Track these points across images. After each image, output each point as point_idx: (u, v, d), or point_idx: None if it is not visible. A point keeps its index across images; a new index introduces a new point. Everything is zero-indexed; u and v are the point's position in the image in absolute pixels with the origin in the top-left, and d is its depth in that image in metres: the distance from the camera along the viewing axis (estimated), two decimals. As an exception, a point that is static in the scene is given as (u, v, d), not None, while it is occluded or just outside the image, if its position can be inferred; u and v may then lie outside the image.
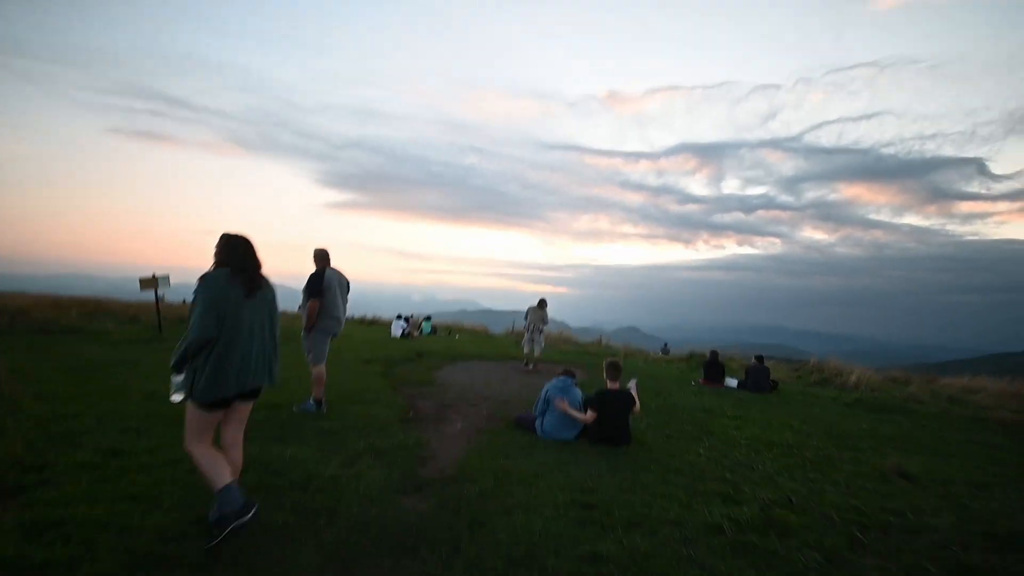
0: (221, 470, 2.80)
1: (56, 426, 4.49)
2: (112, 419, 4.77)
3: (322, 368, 5.57)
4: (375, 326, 22.18)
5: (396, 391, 7.10)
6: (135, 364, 7.70)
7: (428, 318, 20.66)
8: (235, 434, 3.06)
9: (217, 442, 3.04)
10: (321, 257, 5.63)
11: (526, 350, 10.94)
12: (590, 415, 5.01)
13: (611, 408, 5.01)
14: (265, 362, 3.01)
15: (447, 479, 3.95)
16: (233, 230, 3.04)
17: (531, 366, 10.79)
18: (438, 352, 12.25)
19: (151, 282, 11.58)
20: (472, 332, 22.55)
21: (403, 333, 15.86)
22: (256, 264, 3.01)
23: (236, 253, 2.94)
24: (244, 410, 3.07)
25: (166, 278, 11.90)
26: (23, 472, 3.46)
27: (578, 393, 5.26)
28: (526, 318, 11.08)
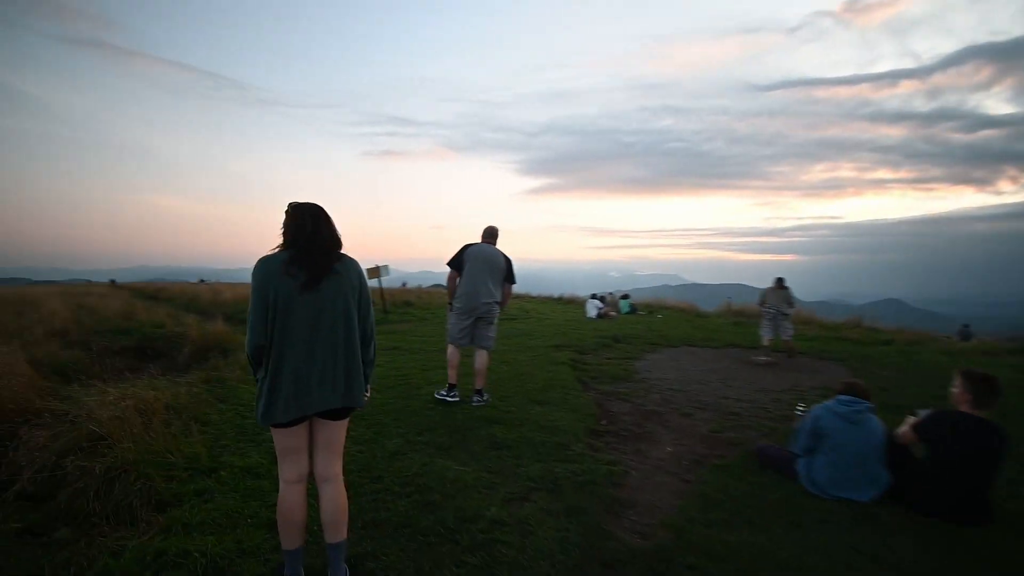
0: (287, 530, 2.17)
1: (252, 419, 4.50)
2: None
3: (452, 349, 5.00)
4: (571, 306, 21.58)
5: (585, 388, 5.90)
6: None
7: (626, 296, 19.08)
8: (326, 464, 2.24)
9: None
10: (485, 234, 5.06)
11: (766, 340, 8.99)
12: (905, 431, 2.94)
13: (963, 450, 2.85)
14: (339, 375, 2.13)
15: (655, 554, 2.54)
16: (302, 199, 2.17)
17: (766, 359, 8.44)
18: (638, 336, 10.68)
19: (375, 272, 12.83)
20: (677, 310, 20.13)
21: (599, 314, 14.67)
22: (325, 243, 2.12)
23: (302, 230, 2.09)
24: (331, 432, 2.22)
25: (386, 267, 13.10)
26: (191, 477, 3.28)
27: (878, 427, 3.19)
28: (762, 303, 9.25)
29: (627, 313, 17.66)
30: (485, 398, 4.98)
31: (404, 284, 38.89)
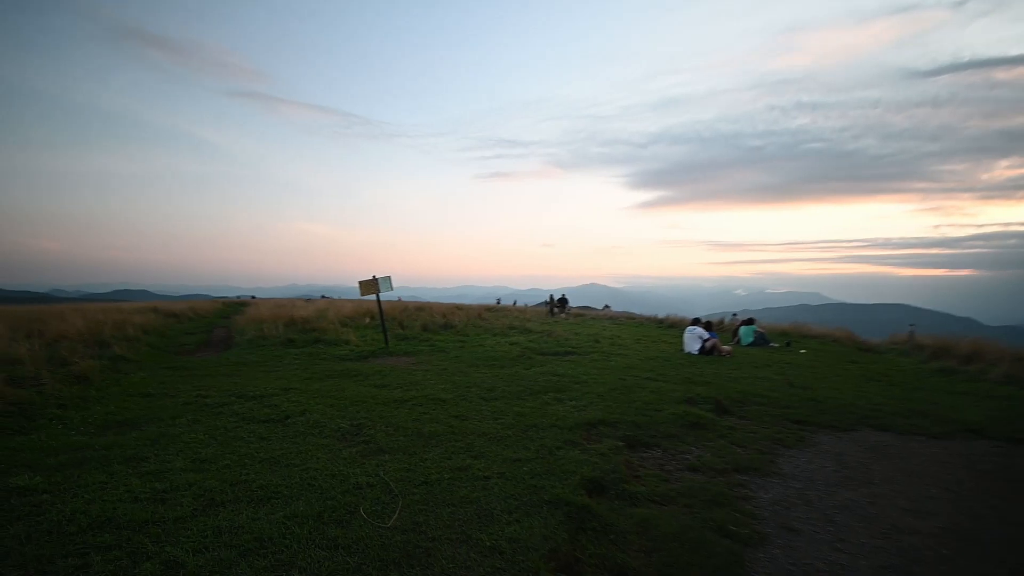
0: None
1: None
2: None
3: None
4: (673, 331, 16.60)
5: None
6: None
7: (749, 321, 13.77)
8: None
9: None
10: None
11: None
12: None
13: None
14: None
15: None
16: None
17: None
18: (766, 399, 5.98)
19: (370, 286, 9.70)
20: (828, 341, 14.17)
21: (702, 348, 9.89)
22: None
23: None
24: None
25: (387, 279, 9.92)
26: None
27: None
28: None
29: (750, 345, 12.44)
30: None
31: (498, 300, 36.21)
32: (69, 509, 2.62)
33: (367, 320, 14.48)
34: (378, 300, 10.17)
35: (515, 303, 37.17)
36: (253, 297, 42.89)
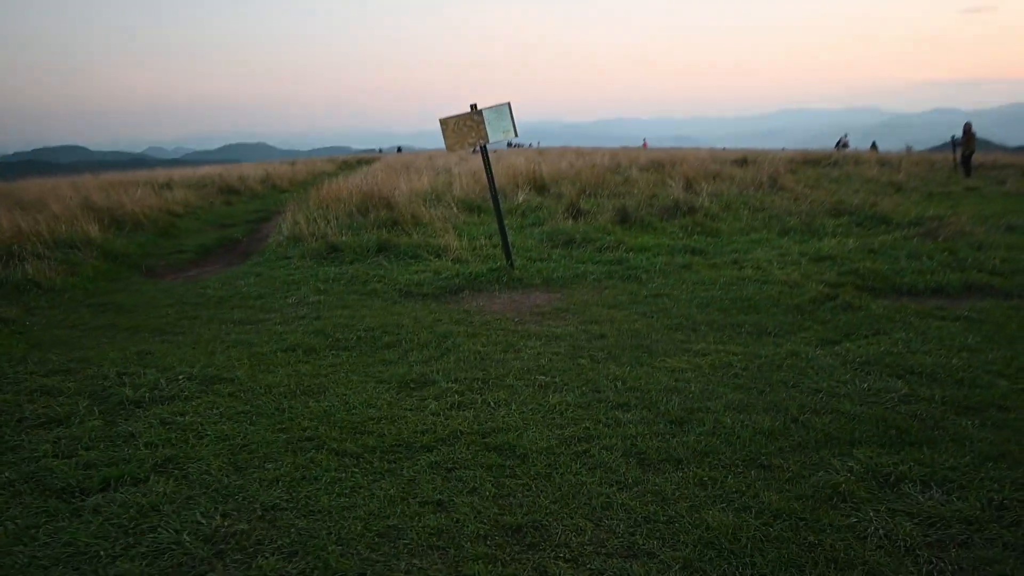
0: None
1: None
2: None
3: None
4: None
5: None
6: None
7: None
8: None
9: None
10: None
11: None
12: None
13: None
14: None
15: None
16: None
17: None
18: None
19: (465, 129, 5.20)
20: None
21: None
22: None
23: None
24: None
25: (502, 111, 5.26)
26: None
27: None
28: None
29: None
30: None
31: (843, 139, 21.27)
32: None
33: (522, 196, 8.14)
34: (485, 160, 5.31)
35: (872, 145, 21.65)
36: (399, 150, 30.17)
